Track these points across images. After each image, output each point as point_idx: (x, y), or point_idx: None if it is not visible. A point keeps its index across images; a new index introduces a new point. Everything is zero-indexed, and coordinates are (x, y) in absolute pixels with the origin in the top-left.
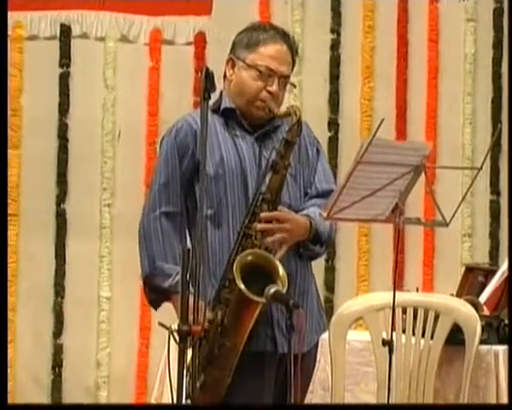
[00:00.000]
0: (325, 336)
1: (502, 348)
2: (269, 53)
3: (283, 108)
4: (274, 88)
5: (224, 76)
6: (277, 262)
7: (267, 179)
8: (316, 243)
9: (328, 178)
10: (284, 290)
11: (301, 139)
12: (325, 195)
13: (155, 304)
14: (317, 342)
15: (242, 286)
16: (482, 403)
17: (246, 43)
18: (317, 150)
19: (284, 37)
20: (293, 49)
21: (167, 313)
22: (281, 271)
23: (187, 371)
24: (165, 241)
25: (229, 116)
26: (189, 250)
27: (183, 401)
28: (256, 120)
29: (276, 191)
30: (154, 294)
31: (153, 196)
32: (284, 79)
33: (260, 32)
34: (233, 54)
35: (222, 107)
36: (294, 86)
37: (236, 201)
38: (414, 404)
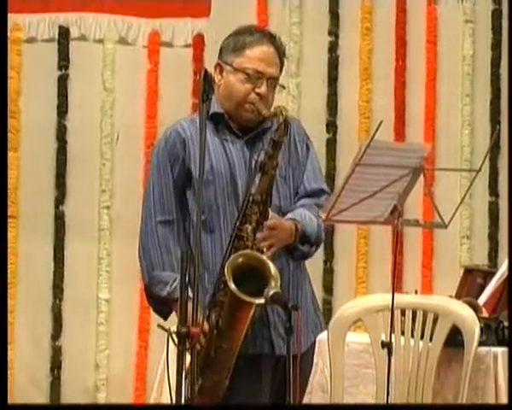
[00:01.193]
0: (324, 337)
1: (500, 350)
2: (255, 55)
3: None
4: (263, 89)
5: (213, 81)
6: (268, 261)
7: (256, 181)
8: (304, 243)
9: (317, 177)
10: (278, 288)
11: (290, 139)
12: (314, 194)
13: (160, 313)
14: (314, 342)
15: (233, 287)
16: (481, 403)
17: (232, 48)
18: (307, 148)
19: (271, 39)
20: (280, 51)
21: None
22: (272, 269)
23: (186, 375)
24: (163, 249)
25: (218, 121)
26: (187, 252)
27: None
28: (246, 123)
29: (266, 192)
30: (155, 303)
31: (148, 206)
32: (273, 81)
33: (246, 35)
34: (220, 59)
35: (211, 112)
36: (284, 87)
37: (227, 206)
38: (413, 404)
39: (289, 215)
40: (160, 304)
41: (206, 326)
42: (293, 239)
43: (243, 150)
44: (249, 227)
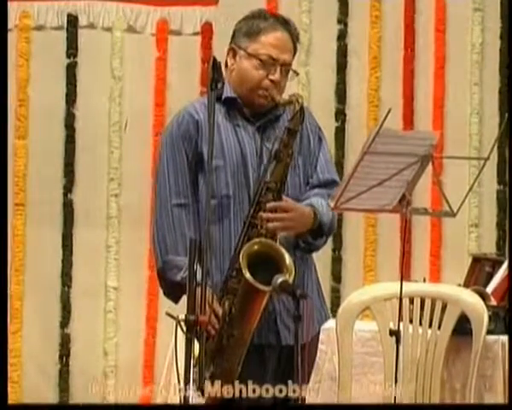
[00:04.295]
0: (332, 326)
1: (509, 339)
2: (269, 41)
3: (285, 96)
4: (276, 76)
5: (226, 65)
6: (284, 251)
7: (271, 169)
8: (316, 236)
9: (330, 168)
10: (291, 279)
11: (303, 128)
12: (327, 184)
13: (171, 297)
14: (319, 332)
15: (248, 275)
16: (481, 403)
17: (246, 32)
18: (320, 139)
19: (284, 24)
20: (294, 36)
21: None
22: (287, 259)
23: (195, 363)
24: (178, 233)
25: (230, 105)
26: (196, 240)
27: (192, 393)
28: (258, 108)
29: (280, 180)
30: (168, 287)
31: (163, 189)
32: (286, 67)
33: (260, 20)
34: (234, 43)
35: (224, 96)
36: (297, 74)
37: (237, 191)
38: (411, 404)
39: (307, 202)
40: (173, 288)
41: (216, 307)
42: (310, 226)
43: (255, 137)
44: (263, 215)
